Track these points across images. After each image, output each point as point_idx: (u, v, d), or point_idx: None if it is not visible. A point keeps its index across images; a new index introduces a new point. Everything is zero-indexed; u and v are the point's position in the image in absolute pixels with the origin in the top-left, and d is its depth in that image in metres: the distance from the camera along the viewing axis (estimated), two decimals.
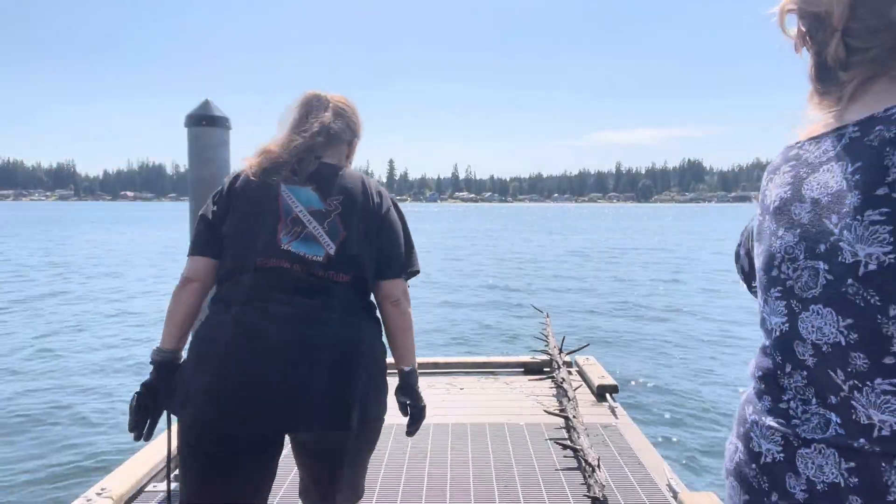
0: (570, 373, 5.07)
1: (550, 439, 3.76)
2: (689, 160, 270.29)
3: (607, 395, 4.56)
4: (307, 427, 1.62)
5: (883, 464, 0.80)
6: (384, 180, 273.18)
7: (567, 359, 5.35)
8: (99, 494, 2.87)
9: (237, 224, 1.69)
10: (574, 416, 3.87)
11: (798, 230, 0.90)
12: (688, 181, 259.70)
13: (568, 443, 3.58)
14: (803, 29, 0.96)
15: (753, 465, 0.94)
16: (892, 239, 0.78)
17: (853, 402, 0.83)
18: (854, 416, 0.83)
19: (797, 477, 0.88)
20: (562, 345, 5.54)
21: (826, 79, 0.93)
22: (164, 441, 3.56)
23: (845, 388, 0.84)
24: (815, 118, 0.95)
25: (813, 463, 0.87)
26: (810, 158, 0.93)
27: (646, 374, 7.89)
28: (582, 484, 3.14)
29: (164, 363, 1.72)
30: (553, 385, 4.87)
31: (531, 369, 5.36)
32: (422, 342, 10.36)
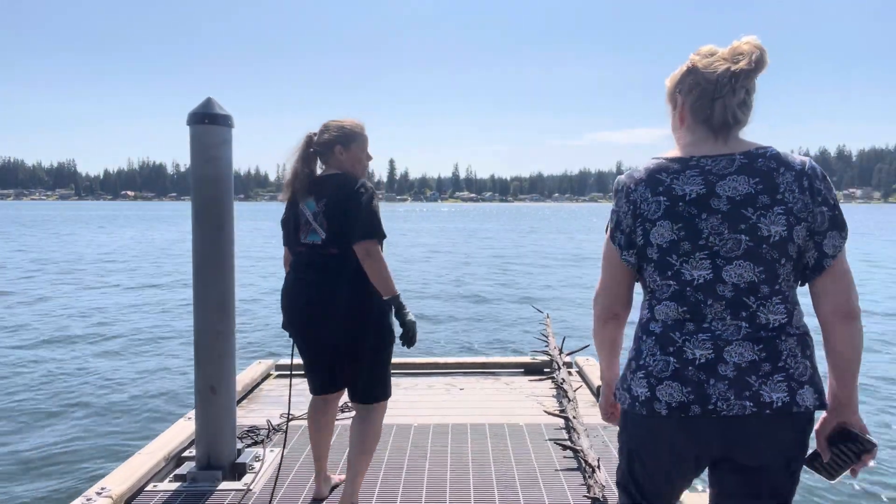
0: (570, 373, 5.07)
1: (550, 440, 3.76)
2: None
3: None
4: (316, 338, 2.76)
5: (776, 341, 1.45)
6: (384, 180, 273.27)
7: (567, 359, 5.35)
8: (99, 494, 2.87)
9: (285, 228, 2.83)
10: (574, 417, 3.87)
11: (720, 215, 1.45)
12: None
13: (568, 443, 3.58)
14: (689, 99, 1.53)
15: (690, 368, 1.46)
16: (785, 222, 1.44)
17: (758, 313, 1.45)
18: (758, 321, 1.45)
19: (725, 364, 1.44)
20: (562, 345, 5.53)
21: (724, 122, 1.49)
22: (162, 443, 3.57)
23: (754, 306, 1.45)
24: (686, 143, 1.54)
25: (736, 352, 1.44)
26: (714, 170, 1.48)
27: None
28: (582, 484, 3.14)
29: None
30: (553, 385, 4.87)
31: (531, 370, 5.36)
32: (422, 342, 10.35)
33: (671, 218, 1.47)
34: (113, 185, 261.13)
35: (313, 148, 2.75)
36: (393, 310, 2.67)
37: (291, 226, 2.75)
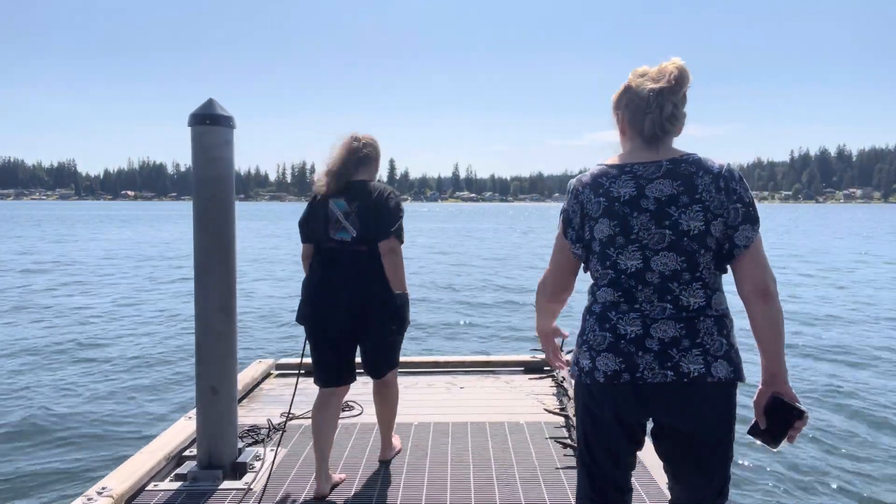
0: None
1: (551, 438, 3.77)
2: None
3: None
4: (343, 331, 3.03)
5: (696, 321, 1.70)
6: (384, 180, 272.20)
7: (567, 357, 5.34)
8: (100, 493, 2.87)
9: (312, 225, 3.07)
10: (574, 415, 3.87)
11: (648, 213, 1.71)
12: None
13: (568, 441, 3.59)
14: (626, 114, 1.80)
15: (622, 341, 1.72)
16: (703, 218, 1.68)
17: (680, 297, 1.70)
18: (680, 303, 1.71)
19: (651, 339, 1.70)
20: (562, 344, 5.52)
21: (653, 133, 1.74)
22: (162, 442, 3.57)
23: (677, 290, 1.71)
24: (626, 151, 1.82)
25: (661, 329, 1.70)
26: (644, 175, 1.73)
27: None
28: None
29: None
30: (553, 384, 4.88)
31: (531, 368, 5.36)
32: (423, 342, 10.33)
33: (609, 216, 1.75)
34: (113, 185, 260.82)
35: (357, 156, 3.09)
36: (399, 300, 3.01)
37: (321, 223, 3.02)
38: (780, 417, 1.71)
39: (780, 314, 1.70)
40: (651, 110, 1.73)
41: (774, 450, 1.81)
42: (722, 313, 1.74)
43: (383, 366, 3.18)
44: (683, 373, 1.68)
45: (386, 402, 3.34)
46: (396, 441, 3.60)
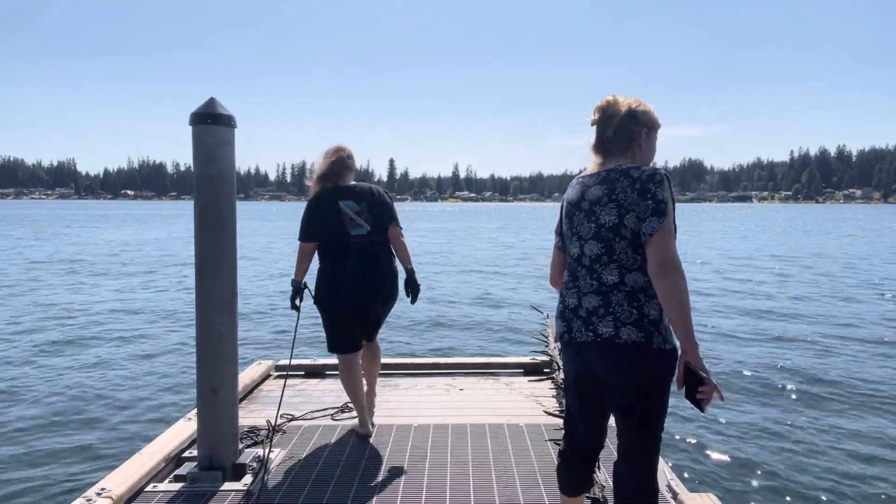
0: None
1: (551, 440, 3.77)
2: (689, 160, 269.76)
3: None
4: (368, 309, 3.78)
5: (610, 295, 2.14)
6: (385, 179, 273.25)
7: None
8: (99, 494, 2.87)
9: (321, 224, 3.69)
10: None
11: (584, 212, 2.21)
12: (688, 180, 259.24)
13: None
14: (592, 137, 2.29)
15: (567, 310, 2.27)
16: (616, 213, 2.11)
17: (602, 275, 2.16)
18: (601, 280, 2.16)
19: (581, 308, 2.20)
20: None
21: (600, 151, 2.27)
22: (162, 443, 3.57)
23: (599, 270, 2.16)
24: (594, 163, 2.29)
25: (587, 301, 2.19)
26: (588, 183, 2.24)
27: None
28: None
29: (297, 285, 3.76)
30: (553, 386, 4.87)
31: (531, 370, 5.36)
32: (424, 341, 10.31)
33: (566, 215, 2.32)
34: (113, 185, 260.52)
35: (346, 164, 3.75)
36: (412, 274, 3.83)
37: (332, 222, 3.65)
38: (688, 383, 2.03)
39: (677, 292, 1.99)
40: (599, 133, 2.27)
41: (703, 413, 2.21)
42: (634, 289, 2.12)
43: (376, 331, 3.96)
44: (599, 334, 2.14)
45: (376, 355, 4.08)
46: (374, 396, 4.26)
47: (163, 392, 7.07)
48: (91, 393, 6.98)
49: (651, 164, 2.31)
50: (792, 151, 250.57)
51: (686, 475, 4.93)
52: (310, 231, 3.68)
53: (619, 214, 2.10)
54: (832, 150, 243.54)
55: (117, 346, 9.30)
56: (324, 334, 3.82)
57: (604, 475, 3.14)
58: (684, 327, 1.99)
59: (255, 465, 3.35)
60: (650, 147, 2.29)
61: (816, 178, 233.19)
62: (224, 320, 3.22)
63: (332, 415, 4.26)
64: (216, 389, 3.23)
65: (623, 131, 2.22)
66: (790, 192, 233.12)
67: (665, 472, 3.28)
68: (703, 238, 36.94)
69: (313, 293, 3.75)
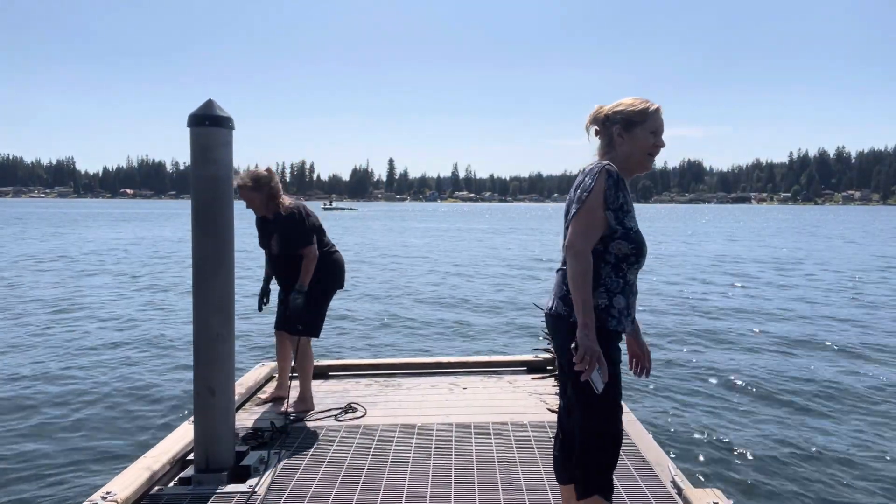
0: None
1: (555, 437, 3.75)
2: (689, 160, 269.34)
3: None
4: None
5: (557, 273, 2.46)
6: (384, 179, 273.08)
7: None
8: (104, 498, 2.85)
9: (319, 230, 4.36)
10: None
11: (567, 202, 2.40)
12: (688, 181, 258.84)
13: None
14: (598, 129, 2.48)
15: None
16: (568, 202, 2.41)
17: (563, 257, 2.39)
18: (561, 261, 2.42)
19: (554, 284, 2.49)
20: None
21: (597, 153, 2.46)
22: (166, 446, 3.56)
23: (562, 253, 2.39)
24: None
25: (555, 278, 2.48)
26: (576, 177, 2.40)
27: None
28: None
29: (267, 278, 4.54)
30: (557, 383, 4.86)
31: (534, 368, 5.35)
32: (424, 342, 10.26)
33: (567, 207, 2.46)
34: (112, 183, 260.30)
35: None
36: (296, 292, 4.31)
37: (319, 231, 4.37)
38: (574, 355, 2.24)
39: (572, 271, 2.23)
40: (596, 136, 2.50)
41: (597, 392, 2.25)
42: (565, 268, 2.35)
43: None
44: (548, 307, 2.44)
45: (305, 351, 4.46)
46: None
47: (167, 395, 7.05)
48: (95, 396, 6.95)
49: (635, 158, 2.38)
50: (791, 153, 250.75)
51: (691, 470, 4.92)
52: (316, 234, 4.31)
53: (568, 203, 2.38)
54: (831, 152, 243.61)
55: (121, 348, 9.28)
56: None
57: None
58: (576, 303, 2.21)
59: (259, 466, 3.34)
60: (630, 141, 2.36)
61: (815, 179, 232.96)
62: (221, 321, 3.21)
63: (335, 416, 4.25)
64: (213, 390, 3.21)
65: (603, 134, 2.44)
66: (789, 194, 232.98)
67: (669, 468, 3.27)
68: (695, 238, 36.82)
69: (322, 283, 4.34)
